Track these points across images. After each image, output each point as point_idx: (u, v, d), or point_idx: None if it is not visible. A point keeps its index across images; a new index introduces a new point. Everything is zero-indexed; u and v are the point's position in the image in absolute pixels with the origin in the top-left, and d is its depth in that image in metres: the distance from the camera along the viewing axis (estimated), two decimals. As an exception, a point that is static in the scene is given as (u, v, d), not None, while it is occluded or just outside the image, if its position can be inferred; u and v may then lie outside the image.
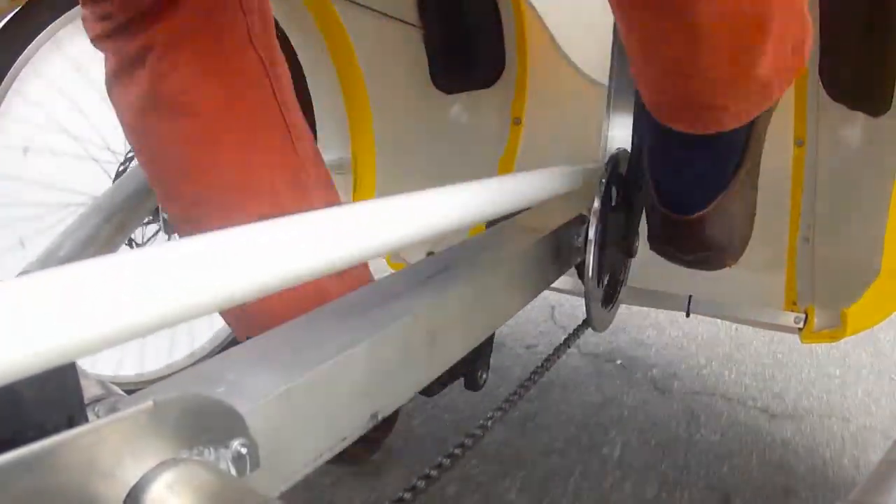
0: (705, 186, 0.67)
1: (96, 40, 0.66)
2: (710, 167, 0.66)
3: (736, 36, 0.50)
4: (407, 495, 0.46)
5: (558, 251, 0.67)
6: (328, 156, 1.19)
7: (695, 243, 0.71)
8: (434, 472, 0.48)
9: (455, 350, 0.48)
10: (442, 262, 0.52)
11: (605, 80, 0.84)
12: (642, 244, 0.80)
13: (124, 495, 0.24)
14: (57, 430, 0.22)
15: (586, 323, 0.74)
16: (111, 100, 0.67)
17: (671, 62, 0.54)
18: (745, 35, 0.50)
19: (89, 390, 0.27)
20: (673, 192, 0.69)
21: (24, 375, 0.21)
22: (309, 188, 0.70)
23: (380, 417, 0.38)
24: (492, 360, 0.60)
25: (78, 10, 0.65)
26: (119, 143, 1.09)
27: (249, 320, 0.69)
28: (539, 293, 0.64)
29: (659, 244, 0.75)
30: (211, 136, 0.66)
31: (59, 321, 0.22)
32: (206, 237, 0.28)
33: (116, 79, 0.66)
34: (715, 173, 0.67)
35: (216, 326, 1.27)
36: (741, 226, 0.73)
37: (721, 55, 0.51)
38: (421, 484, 0.47)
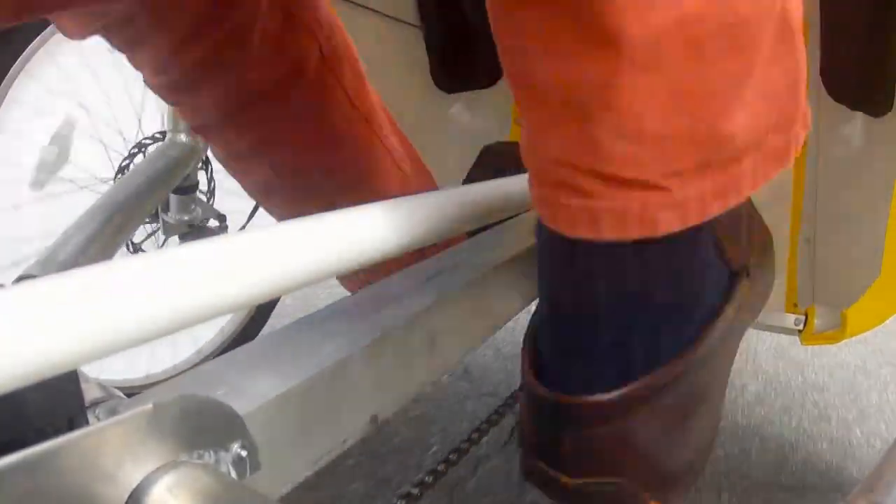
0: (626, 353, 0.38)
1: (199, 130, 0.69)
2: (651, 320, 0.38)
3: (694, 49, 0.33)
4: (415, 490, 0.46)
5: (558, 252, 0.67)
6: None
7: (590, 456, 0.38)
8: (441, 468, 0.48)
9: (455, 352, 0.48)
10: (442, 264, 0.51)
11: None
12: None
13: (125, 498, 0.24)
14: (57, 432, 0.22)
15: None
16: (229, 173, 0.72)
17: (576, 92, 0.33)
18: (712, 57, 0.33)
19: (89, 393, 0.27)
20: (562, 357, 0.40)
21: (27, 383, 0.21)
22: None
23: (379, 420, 0.38)
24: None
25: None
26: (131, 130, 1.08)
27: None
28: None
29: (528, 458, 0.41)
30: (334, 201, 0.50)
31: (63, 328, 0.22)
32: (208, 242, 0.28)
33: (232, 162, 0.70)
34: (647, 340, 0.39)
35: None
36: (694, 439, 0.41)
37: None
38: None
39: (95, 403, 0.27)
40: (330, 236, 0.34)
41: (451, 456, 0.47)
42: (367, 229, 0.37)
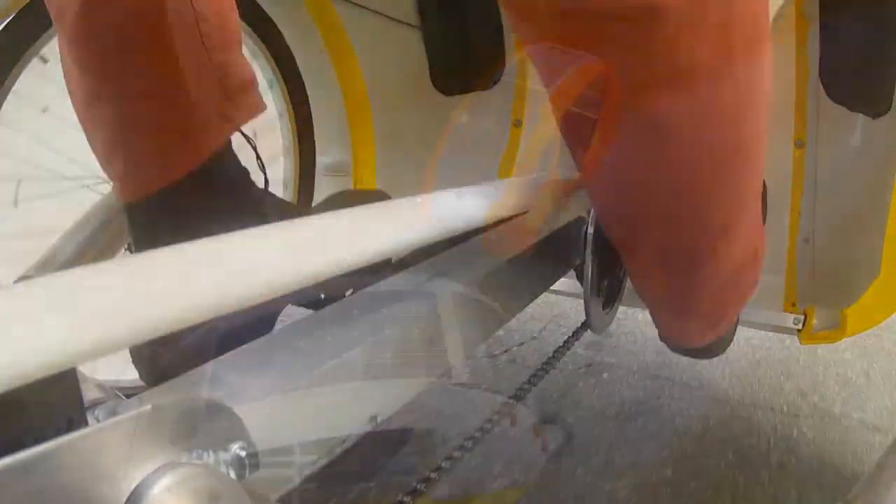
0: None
1: None
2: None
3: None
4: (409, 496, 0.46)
5: (558, 253, 0.67)
6: (327, 157, 1.19)
7: (696, 353, 0.96)
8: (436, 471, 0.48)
9: (454, 352, 0.48)
10: (441, 265, 0.52)
11: (604, 82, 0.84)
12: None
13: (124, 499, 0.24)
14: (57, 433, 0.22)
15: (585, 325, 0.74)
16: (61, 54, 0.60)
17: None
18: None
19: (89, 394, 0.27)
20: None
21: (25, 381, 0.21)
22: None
23: (378, 420, 0.38)
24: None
25: None
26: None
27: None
28: (539, 295, 0.64)
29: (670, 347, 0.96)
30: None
31: (61, 326, 0.22)
32: (213, 240, 0.28)
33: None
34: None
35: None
36: (728, 333, 0.92)
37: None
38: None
39: (95, 404, 0.27)
40: (323, 237, 0.34)
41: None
42: (364, 231, 0.37)
